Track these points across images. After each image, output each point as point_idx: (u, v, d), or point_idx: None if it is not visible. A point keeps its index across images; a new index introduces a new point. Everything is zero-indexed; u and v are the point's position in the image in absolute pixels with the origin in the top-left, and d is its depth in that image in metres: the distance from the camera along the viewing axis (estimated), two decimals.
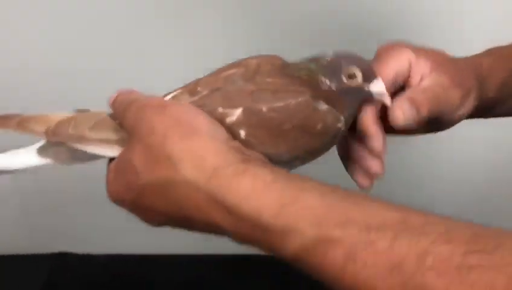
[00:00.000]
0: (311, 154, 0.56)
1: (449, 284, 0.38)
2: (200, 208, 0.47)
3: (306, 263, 0.44)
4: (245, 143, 0.52)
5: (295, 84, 0.55)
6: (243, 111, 0.53)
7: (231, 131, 0.52)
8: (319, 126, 0.54)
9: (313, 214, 0.44)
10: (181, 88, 0.57)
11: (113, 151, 0.54)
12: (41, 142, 0.55)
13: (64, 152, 0.54)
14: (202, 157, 0.47)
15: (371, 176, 0.58)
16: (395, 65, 0.58)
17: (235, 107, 0.53)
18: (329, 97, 0.55)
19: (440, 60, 0.60)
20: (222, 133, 0.51)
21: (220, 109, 0.53)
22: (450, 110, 0.59)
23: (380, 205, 0.44)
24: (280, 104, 0.53)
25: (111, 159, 0.54)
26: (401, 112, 0.56)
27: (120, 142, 0.54)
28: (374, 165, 0.57)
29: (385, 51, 0.60)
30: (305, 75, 0.55)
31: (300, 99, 0.54)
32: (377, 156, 0.57)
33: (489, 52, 0.66)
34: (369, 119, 0.57)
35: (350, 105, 0.56)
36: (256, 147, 0.53)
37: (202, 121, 0.50)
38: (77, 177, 1.22)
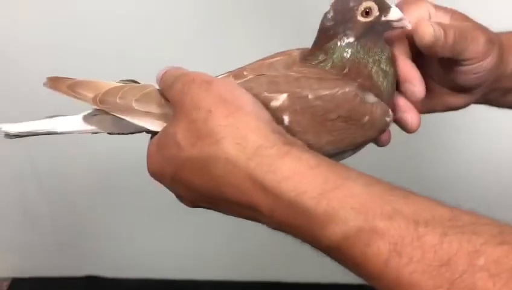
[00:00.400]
0: (354, 147, 0.55)
1: (502, 287, 0.36)
2: (239, 187, 0.47)
3: (346, 253, 0.43)
4: (288, 129, 0.52)
5: (338, 74, 0.54)
6: (288, 96, 0.52)
7: (275, 115, 0.52)
8: (365, 119, 0.53)
9: (357, 203, 0.43)
10: (227, 72, 0.57)
11: (156, 125, 0.54)
12: (89, 110, 0.56)
13: (108, 121, 0.55)
14: (245, 135, 0.47)
15: (405, 128, 0.57)
16: (416, 14, 0.57)
17: (281, 92, 0.53)
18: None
19: (459, 14, 0.59)
20: (266, 114, 0.50)
21: (265, 93, 0.53)
22: (477, 52, 0.57)
23: (428, 201, 0.43)
24: (326, 92, 0.53)
25: (153, 134, 0.55)
26: (430, 26, 0.54)
27: (163, 116, 0.54)
28: (411, 116, 0.56)
29: (405, 1, 0.58)
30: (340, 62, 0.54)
31: (347, 89, 0.53)
32: (415, 104, 0.56)
33: (507, 32, 0.65)
34: (404, 61, 0.56)
35: (378, 45, 0.54)
36: (299, 135, 0.52)
37: (247, 101, 0.50)
38: (109, 201, 1.23)
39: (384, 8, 0.54)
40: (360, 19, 0.54)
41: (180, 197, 0.54)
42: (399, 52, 0.57)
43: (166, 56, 1.06)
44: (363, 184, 0.44)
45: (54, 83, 0.56)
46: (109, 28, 1.10)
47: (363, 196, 0.43)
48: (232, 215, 0.51)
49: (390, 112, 0.55)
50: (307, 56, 0.55)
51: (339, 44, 0.54)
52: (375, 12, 0.54)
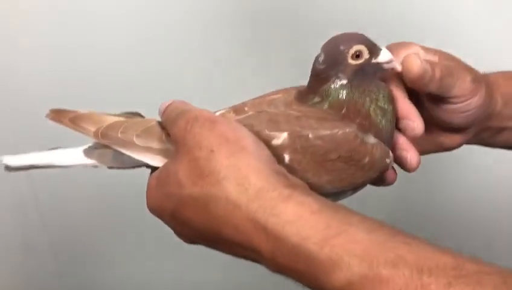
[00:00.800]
0: (354, 188, 0.56)
1: None
2: (239, 228, 0.47)
3: None
4: (288, 168, 0.52)
5: (336, 114, 0.54)
6: (289, 135, 0.53)
7: (276, 154, 0.52)
8: (366, 160, 0.53)
9: (361, 249, 0.43)
10: (228, 107, 0.58)
11: (156, 161, 0.54)
12: (90, 143, 0.56)
13: (109, 155, 0.55)
14: (246, 176, 0.47)
15: (405, 166, 0.57)
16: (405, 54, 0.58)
17: (281, 130, 0.53)
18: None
19: (448, 55, 0.60)
20: (267, 155, 0.51)
21: (266, 131, 0.53)
22: (464, 90, 0.58)
23: (431, 247, 0.43)
24: (326, 132, 0.53)
25: (153, 169, 0.55)
26: (418, 59, 0.55)
27: (164, 152, 0.54)
28: (410, 154, 0.57)
29: (395, 45, 0.60)
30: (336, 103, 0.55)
31: (347, 130, 0.53)
32: (413, 141, 0.56)
33: (494, 72, 0.67)
34: (402, 99, 0.56)
35: (372, 84, 0.55)
36: (299, 174, 0.52)
37: (249, 141, 0.50)
38: (110, 232, 1.23)
39: (374, 51, 0.55)
40: (351, 61, 0.54)
41: (179, 234, 0.54)
42: (396, 91, 0.57)
43: (169, 86, 1.11)
44: (365, 230, 0.44)
45: (57, 115, 0.56)
46: (112, 56, 1.11)
47: (366, 242, 0.43)
48: (232, 255, 0.50)
49: (391, 154, 0.55)
50: (303, 97, 0.56)
51: (332, 86, 0.54)
52: (366, 55, 0.54)
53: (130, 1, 1.11)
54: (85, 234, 1.25)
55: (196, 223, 0.50)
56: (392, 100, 0.56)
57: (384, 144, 0.55)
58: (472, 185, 1.19)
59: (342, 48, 0.54)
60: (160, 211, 0.53)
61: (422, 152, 0.63)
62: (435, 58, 0.59)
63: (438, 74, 0.56)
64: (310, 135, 0.53)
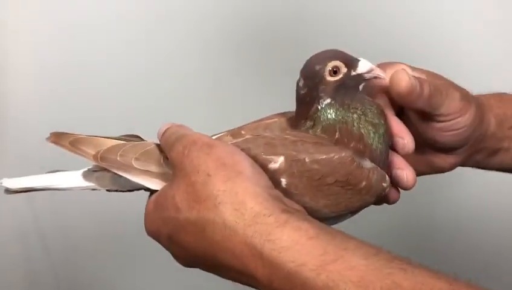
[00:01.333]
0: (351, 212, 0.56)
1: None
2: (236, 253, 0.47)
3: None
4: (285, 192, 0.52)
5: (331, 139, 0.55)
6: (286, 159, 0.53)
7: (273, 178, 0.52)
8: (362, 184, 0.54)
9: (357, 276, 0.43)
10: (226, 131, 0.58)
11: (154, 184, 0.55)
12: (90, 166, 0.57)
13: (107, 178, 0.56)
14: (243, 201, 0.48)
15: (402, 185, 0.58)
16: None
17: (278, 154, 0.53)
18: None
19: (436, 74, 0.61)
20: (264, 179, 0.51)
21: (263, 155, 0.54)
22: (453, 107, 0.58)
23: (427, 273, 0.43)
24: (323, 156, 0.53)
25: (151, 192, 0.55)
26: (406, 74, 0.55)
27: (162, 175, 0.55)
28: (407, 173, 0.57)
29: (382, 64, 0.60)
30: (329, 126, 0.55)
31: (343, 154, 0.54)
32: (406, 158, 0.56)
33: (486, 94, 0.67)
34: (390, 116, 0.57)
35: (356, 99, 0.55)
36: (296, 198, 0.53)
37: (246, 165, 0.51)
38: (112, 258, 1.23)
39: (351, 64, 0.55)
40: (330, 79, 0.54)
41: (177, 257, 0.54)
42: (383, 109, 0.58)
43: (169, 107, 1.12)
44: (362, 256, 0.44)
45: (57, 138, 0.57)
46: (113, 79, 1.12)
47: (362, 268, 0.43)
48: (228, 280, 0.51)
49: (387, 178, 0.55)
50: (295, 124, 0.56)
51: (319, 108, 0.55)
52: (343, 69, 0.54)
53: (131, 24, 1.12)
54: (87, 258, 1.24)
55: (193, 247, 0.50)
56: (382, 114, 0.56)
57: (380, 167, 0.55)
58: (471, 202, 1.19)
59: (317, 67, 0.54)
60: (158, 234, 0.53)
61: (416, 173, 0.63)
62: (422, 77, 0.59)
63: (426, 90, 0.56)
64: (307, 159, 0.53)
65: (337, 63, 0.54)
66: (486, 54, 1.11)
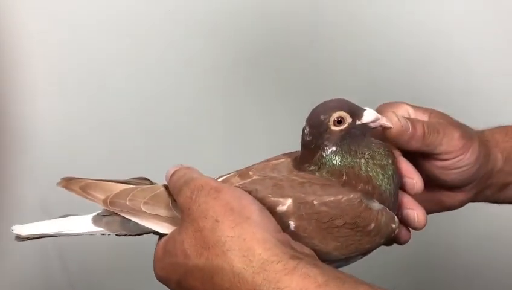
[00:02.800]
0: (361, 253, 0.56)
1: None
2: None
3: None
4: (294, 235, 0.52)
5: (338, 181, 0.55)
6: (293, 202, 0.53)
7: (281, 221, 0.52)
8: (371, 226, 0.54)
9: None
10: (234, 172, 0.58)
11: (163, 228, 0.55)
12: (100, 210, 0.57)
13: (117, 222, 0.56)
14: (251, 247, 0.48)
15: (412, 225, 0.58)
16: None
17: (286, 196, 0.54)
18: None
19: (439, 113, 0.61)
20: (273, 223, 0.51)
21: (271, 197, 0.54)
22: (453, 146, 0.59)
23: None
24: (331, 198, 0.53)
25: (161, 235, 0.56)
26: (395, 116, 0.56)
27: (171, 219, 0.55)
28: (417, 213, 0.57)
29: (384, 105, 0.61)
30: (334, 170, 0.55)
31: (352, 196, 0.54)
32: (416, 198, 0.57)
33: (490, 128, 0.67)
34: (397, 157, 0.57)
35: (363, 145, 0.55)
36: (305, 241, 0.52)
37: (253, 210, 0.51)
38: (130, 278, 1.23)
39: (356, 114, 0.55)
40: (334, 128, 0.55)
41: None
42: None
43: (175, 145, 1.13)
44: None
45: (68, 183, 0.57)
46: (117, 116, 1.13)
47: None
48: None
49: (396, 219, 0.55)
50: (300, 166, 0.56)
51: (324, 155, 0.55)
52: (348, 119, 0.55)
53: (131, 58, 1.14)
54: (105, 278, 1.25)
55: None
56: (390, 155, 0.56)
57: (389, 209, 0.55)
58: (484, 235, 1.19)
59: (322, 117, 0.55)
60: (167, 279, 0.53)
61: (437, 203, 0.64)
62: (424, 117, 0.60)
63: (419, 131, 0.57)
64: (315, 202, 0.53)
65: (342, 113, 0.55)
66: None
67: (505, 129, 0.67)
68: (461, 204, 0.65)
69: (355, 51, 1.12)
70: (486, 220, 1.15)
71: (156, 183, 0.59)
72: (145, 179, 0.60)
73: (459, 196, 0.64)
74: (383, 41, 1.12)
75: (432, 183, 0.62)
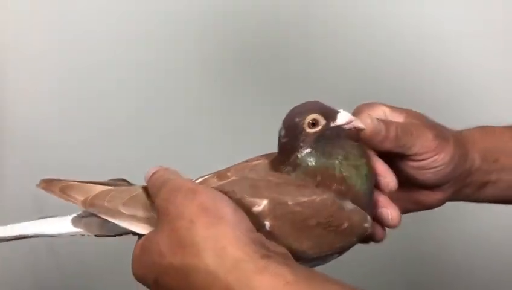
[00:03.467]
0: (335, 253, 0.57)
1: None
2: None
3: None
4: (269, 235, 0.53)
5: (313, 182, 0.56)
6: (269, 202, 0.54)
7: (257, 221, 0.53)
8: (344, 225, 0.55)
9: None
10: (212, 173, 0.59)
11: (141, 229, 0.56)
12: (79, 212, 0.58)
13: (95, 223, 0.57)
14: (224, 247, 0.49)
15: (386, 223, 0.59)
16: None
17: (262, 197, 0.55)
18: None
19: (415, 113, 0.62)
20: (246, 223, 0.52)
21: (247, 197, 0.55)
22: (426, 147, 0.60)
23: None
24: (305, 199, 0.54)
25: (140, 236, 0.56)
26: (368, 117, 0.57)
27: (149, 220, 0.56)
28: (391, 211, 0.58)
29: (361, 106, 0.62)
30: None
31: (325, 196, 0.55)
32: (392, 197, 0.58)
33: (470, 128, 0.68)
34: (372, 156, 0.58)
35: (338, 146, 0.56)
36: (280, 240, 0.53)
37: (227, 210, 0.51)
38: (123, 276, 1.23)
39: (330, 116, 0.56)
40: (309, 130, 0.56)
41: None
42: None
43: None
44: None
45: (47, 185, 0.58)
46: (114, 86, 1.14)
47: None
48: None
49: (369, 218, 0.56)
50: (277, 167, 0.57)
51: (299, 156, 0.56)
52: (322, 121, 0.56)
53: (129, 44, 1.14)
54: (98, 275, 1.25)
55: None
56: (365, 155, 0.57)
57: (363, 208, 0.56)
58: (476, 226, 1.20)
59: (297, 120, 0.56)
60: (144, 279, 0.54)
61: (402, 211, 0.64)
62: (400, 118, 0.61)
63: (392, 132, 0.58)
64: (290, 202, 0.54)
65: (316, 116, 0.56)
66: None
67: (482, 129, 0.68)
68: (440, 203, 0.66)
69: (349, 49, 1.13)
70: (479, 219, 1.16)
71: (134, 185, 0.60)
72: (124, 180, 0.61)
73: (436, 195, 0.65)
74: (376, 39, 1.13)
75: (408, 182, 0.63)
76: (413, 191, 0.64)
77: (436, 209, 1.12)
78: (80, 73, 1.14)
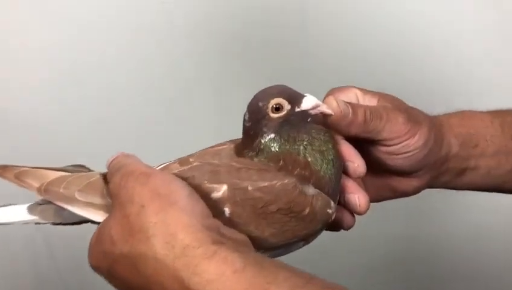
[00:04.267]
0: (300, 240, 0.54)
1: None
2: (166, 288, 0.46)
3: None
4: (229, 222, 0.51)
5: (276, 166, 0.54)
6: (229, 187, 0.52)
7: (216, 207, 0.51)
8: (306, 211, 0.53)
9: None
10: (175, 159, 0.57)
11: (98, 216, 0.54)
12: (37, 199, 0.56)
13: (51, 210, 0.55)
14: (174, 233, 0.47)
15: (354, 209, 0.57)
16: (341, 98, 0.57)
17: (221, 182, 0.53)
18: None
19: (389, 96, 0.60)
20: (200, 209, 0.49)
21: (206, 183, 0.53)
22: (396, 132, 0.57)
23: None
24: (265, 183, 0.52)
25: (99, 223, 0.54)
26: (334, 101, 0.55)
27: (106, 207, 0.54)
28: (359, 196, 0.56)
29: (333, 90, 0.60)
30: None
31: (286, 181, 0.52)
32: (366, 184, 0.55)
33: (448, 113, 0.65)
34: (339, 141, 0.56)
35: (303, 131, 0.54)
36: (240, 227, 0.51)
37: (181, 195, 0.49)
38: None
39: (295, 101, 0.54)
40: (273, 115, 0.54)
41: None
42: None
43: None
44: (289, 288, 0.43)
45: (2, 170, 0.56)
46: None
47: None
48: None
49: (332, 204, 0.54)
50: (240, 152, 0.56)
51: (263, 141, 0.54)
52: (286, 106, 0.54)
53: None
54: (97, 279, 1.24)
55: (130, 281, 0.49)
56: (330, 140, 0.55)
57: (329, 194, 0.54)
58: (473, 219, 1.18)
59: (260, 104, 0.54)
60: (99, 268, 0.52)
61: (377, 198, 0.63)
62: (373, 101, 0.59)
63: (360, 116, 0.56)
64: (249, 187, 0.52)
65: (280, 100, 0.54)
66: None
67: (461, 114, 0.66)
68: (416, 190, 0.63)
69: (346, 43, 1.12)
70: (479, 212, 1.15)
71: (93, 171, 0.58)
72: (83, 166, 0.58)
73: (412, 182, 0.62)
74: (374, 33, 1.13)
75: (381, 168, 0.60)
76: (386, 177, 0.62)
77: (437, 207, 1.13)
78: (74, 64, 1.12)
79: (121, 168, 0.53)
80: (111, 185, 0.52)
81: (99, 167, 0.59)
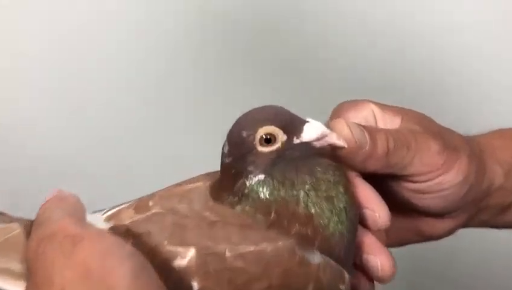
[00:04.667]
0: None
1: None
2: None
3: None
4: None
5: (265, 220, 0.40)
6: (198, 252, 0.38)
7: (180, 280, 0.38)
8: (309, 288, 0.38)
9: None
10: (133, 201, 0.44)
11: (16, 287, 0.39)
12: None
13: None
14: None
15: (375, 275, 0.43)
16: (356, 121, 0.45)
17: (188, 244, 0.39)
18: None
19: (416, 114, 0.48)
20: None
21: (167, 245, 0.39)
22: (428, 165, 0.45)
23: None
24: (250, 248, 0.38)
25: None
26: (346, 126, 0.42)
27: (26, 276, 0.39)
28: (381, 260, 0.43)
29: (342, 106, 0.47)
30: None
31: (280, 243, 0.38)
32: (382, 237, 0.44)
33: (487, 133, 0.54)
34: (356, 181, 0.43)
35: (304, 171, 0.40)
36: None
37: (122, 274, 0.35)
38: None
39: (292, 129, 0.41)
40: (262, 149, 0.40)
41: None
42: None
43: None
44: None
45: None
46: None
47: None
48: None
49: (347, 276, 0.40)
50: (218, 195, 0.41)
51: (248, 184, 0.40)
52: (281, 137, 0.40)
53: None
54: None
55: None
56: (342, 180, 0.41)
57: (340, 257, 0.40)
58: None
59: (245, 134, 0.40)
60: None
61: (400, 243, 0.51)
62: (395, 121, 0.46)
63: (381, 148, 0.43)
64: (228, 253, 0.38)
65: (272, 129, 0.40)
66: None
67: (503, 134, 0.53)
68: (447, 233, 0.51)
69: (345, 36, 1.05)
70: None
71: (14, 221, 0.42)
72: (2, 213, 0.44)
73: (443, 224, 0.50)
74: (376, 30, 1.05)
75: (405, 207, 0.48)
76: (412, 218, 0.50)
77: None
78: (69, 63, 1.05)
79: (41, 225, 0.38)
80: (27, 251, 0.38)
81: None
